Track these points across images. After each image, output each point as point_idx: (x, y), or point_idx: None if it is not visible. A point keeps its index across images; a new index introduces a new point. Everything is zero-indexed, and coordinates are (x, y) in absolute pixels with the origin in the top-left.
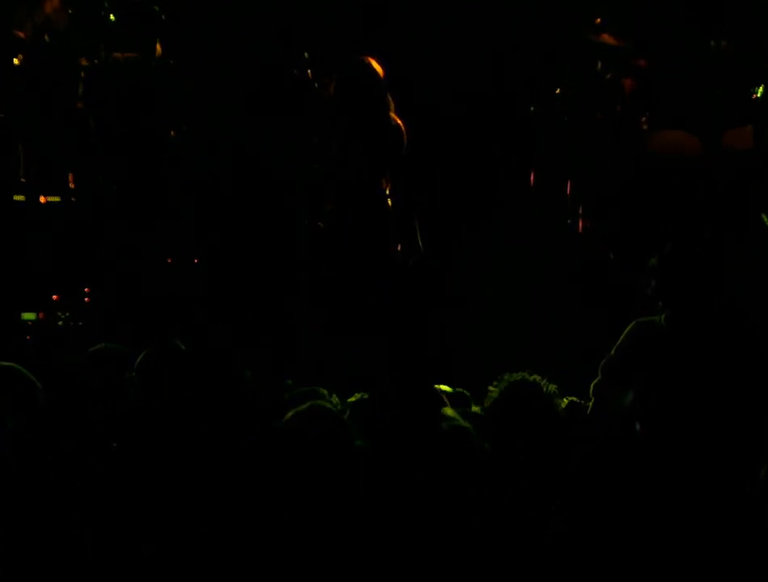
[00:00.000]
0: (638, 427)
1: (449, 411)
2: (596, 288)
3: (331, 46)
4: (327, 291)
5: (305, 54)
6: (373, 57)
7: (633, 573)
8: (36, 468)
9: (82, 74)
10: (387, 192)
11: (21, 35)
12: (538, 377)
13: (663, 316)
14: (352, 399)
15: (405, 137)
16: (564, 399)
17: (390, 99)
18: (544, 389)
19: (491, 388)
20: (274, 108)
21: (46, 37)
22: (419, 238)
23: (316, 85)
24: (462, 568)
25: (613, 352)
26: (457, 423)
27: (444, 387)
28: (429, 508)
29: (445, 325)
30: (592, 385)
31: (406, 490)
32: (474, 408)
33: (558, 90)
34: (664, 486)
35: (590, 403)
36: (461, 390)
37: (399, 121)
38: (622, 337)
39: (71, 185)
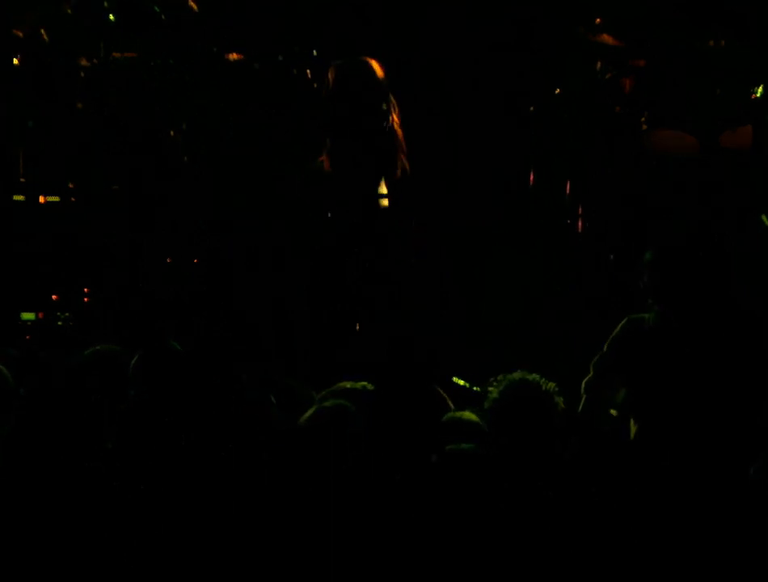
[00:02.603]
0: (630, 423)
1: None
2: (595, 288)
3: (327, 40)
4: (325, 291)
5: (305, 52)
6: (369, 55)
7: (632, 569)
8: (33, 471)
9: (82, 74)
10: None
11: (20, 34)
12: (537, 376)
13: (654, 312)
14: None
15: (403, 138)
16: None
17: (393, 100)
18: (543, 387)
19: (490, 388)
20: (273, 107)
21: (45, 37)
22: (414, 238)
23: (315, 85)
24: (461, 567)
25: (605, 348)
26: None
27: (460, 381)
28: (428, 507)
29: (443, 325)
30: (583, 383)
31: (404, 488)
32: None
33: (558, 90)
34: (658, 482)
35: (582, 400)
36: (477, 388)
37: (398, 120)
38: (613, 333)
39: (71, 185)
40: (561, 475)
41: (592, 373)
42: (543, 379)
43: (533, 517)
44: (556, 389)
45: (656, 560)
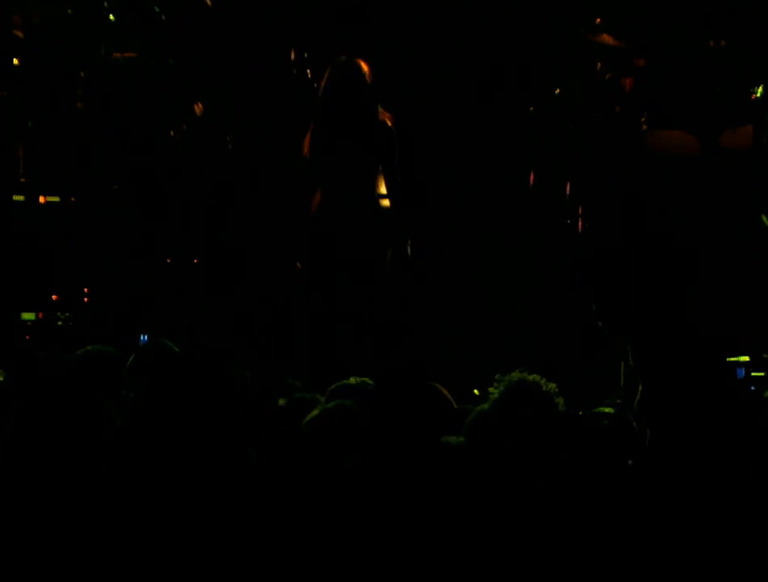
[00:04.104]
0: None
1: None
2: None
3: (327, 40)
4: (324, 291)
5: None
6: (361, 56)
7: (632, 569)
8: (33, 471)
9: (82, 74)
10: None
11: (20, 34)
12: (537, 376)
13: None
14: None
15: (395, 137)
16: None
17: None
18: (543, 387)
19: (491, 390)
20: (271, 106)
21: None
22: (409, 238)
23: (315, 85)
24: (461, 566)
25: None
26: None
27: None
28: (428, 508)
29: (443, 324)
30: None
31: (405, 488)
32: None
33: (558, 90)
34: (658, 482)
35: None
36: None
37: (390, 122)
38: None
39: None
40: (561, 475)
41: None
42: (544, 380)
43: (532, 517)
44: (556, 390)
45: (657, 560)
